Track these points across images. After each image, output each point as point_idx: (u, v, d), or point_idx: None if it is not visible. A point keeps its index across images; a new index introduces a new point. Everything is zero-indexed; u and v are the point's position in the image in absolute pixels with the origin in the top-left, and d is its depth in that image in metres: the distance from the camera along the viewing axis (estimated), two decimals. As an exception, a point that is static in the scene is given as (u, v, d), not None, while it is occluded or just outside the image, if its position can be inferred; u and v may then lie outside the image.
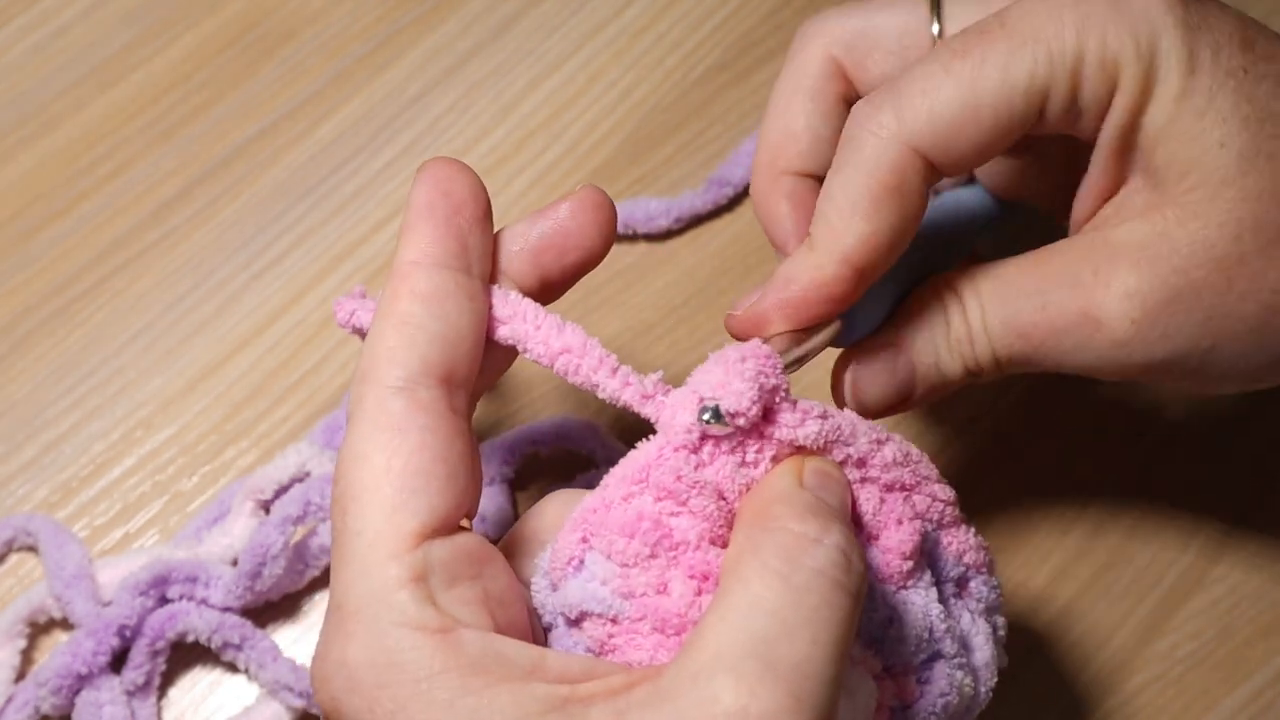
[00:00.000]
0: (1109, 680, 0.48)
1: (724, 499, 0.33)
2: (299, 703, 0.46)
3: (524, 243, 0.35)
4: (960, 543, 0.37)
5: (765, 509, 0.32)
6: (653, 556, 0.33)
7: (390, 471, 0.31)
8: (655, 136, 0.56)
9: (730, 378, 0.33)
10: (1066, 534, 0.50)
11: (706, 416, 0.33)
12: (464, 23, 0.58)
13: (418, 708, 0.29)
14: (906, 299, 0.39)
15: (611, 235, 0.36)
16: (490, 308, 0.35)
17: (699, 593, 0.33)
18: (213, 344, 0.53)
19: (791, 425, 0.34)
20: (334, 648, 0.31)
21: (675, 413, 0.33)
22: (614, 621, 0.33)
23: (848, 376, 0.39)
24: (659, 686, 0.29)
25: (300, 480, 0.49)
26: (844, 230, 0.36)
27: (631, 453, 0.34)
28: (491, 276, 0.35)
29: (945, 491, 0.36)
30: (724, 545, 0.33)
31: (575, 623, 0.34)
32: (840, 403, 0.40)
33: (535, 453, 0.50)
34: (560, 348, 0.34)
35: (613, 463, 0.34)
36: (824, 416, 0.34)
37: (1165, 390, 0.51)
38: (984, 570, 0.37)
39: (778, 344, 0.36)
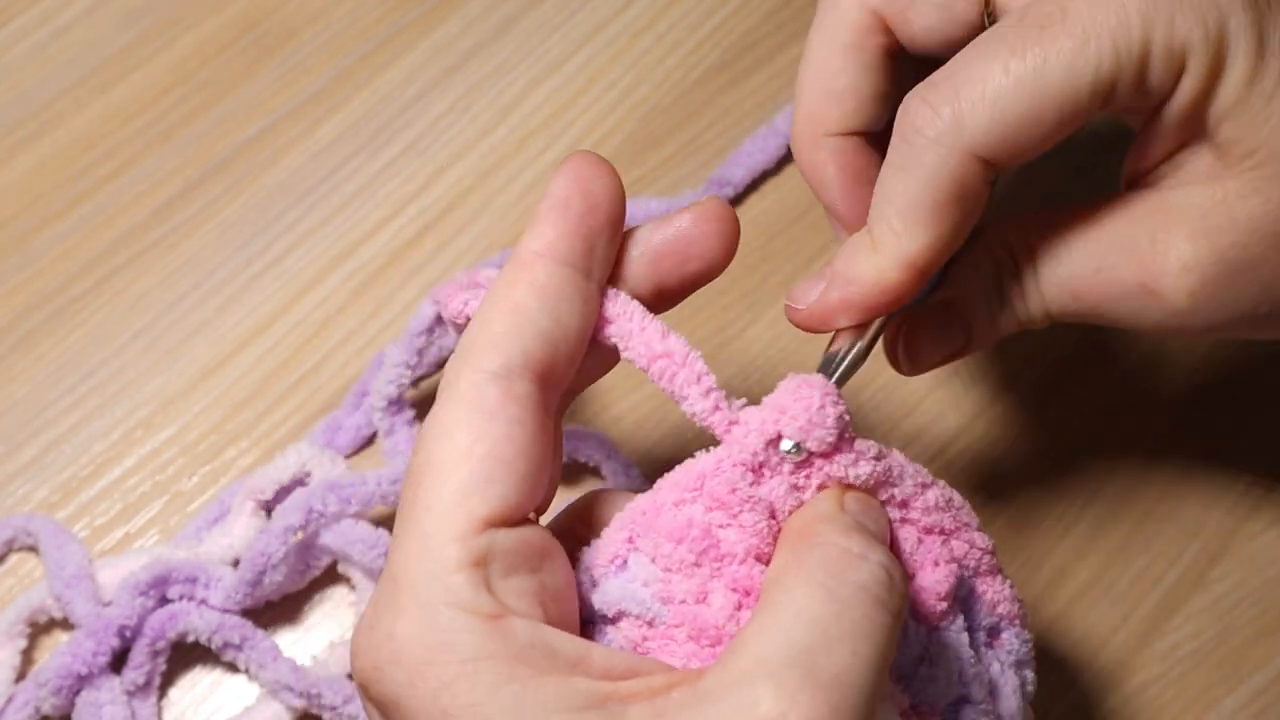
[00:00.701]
0: (1109, 680, 0.48)
1: (773, 518, 0.33)
2: (299, 703, 0.46)
3: (645, 248, 0.35)
4: (995, 592, 0.37)
5: (810, 526, 0.32)
6: (697, 565, 0.33)
7: (471, 455, 0.31)
8: (655, 136, 0.56)
9: (814, 420, 0.33)
10: (1066, 534, 0.50)
11: (789, 448, 0.33)
12: (464, 23, 0.58)
13: (462, 688, 0.29)
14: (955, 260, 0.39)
15: (733, 247, 0.35)
16: (601, 310, 0.34)
17: (739, 607, 0.33)
18: (213, 344, 0.53)
19: (846, 464, 0.34)
20: (384, 618, 0.30)
21: (747, 433, 0.33)
22: (650, 624, 0.33)
23: (901, 335, 0.39)
24: (698, 689, 0.29)
25: (301, 480, 0.49)
26: (907, 236, 0.36)
27: (689, 460, 0.34)
28: (611, 279, 0.35)
29: (984, 540, 0.36)
30: (768, 563, 0.33)
31: (612, 620, 0.34)
32: (893, 360, 0.40)
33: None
34: (661, 351, 0.34)
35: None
36: (878, 458, 0.34)
37: (1165, 390, 0.51)
38: (1016, 622, 0.37)
39: (839, 341, 0.37)
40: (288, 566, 0.47)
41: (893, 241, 0.36)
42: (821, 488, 0.34)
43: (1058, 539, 0.50)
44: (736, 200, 0.55)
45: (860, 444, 0.34)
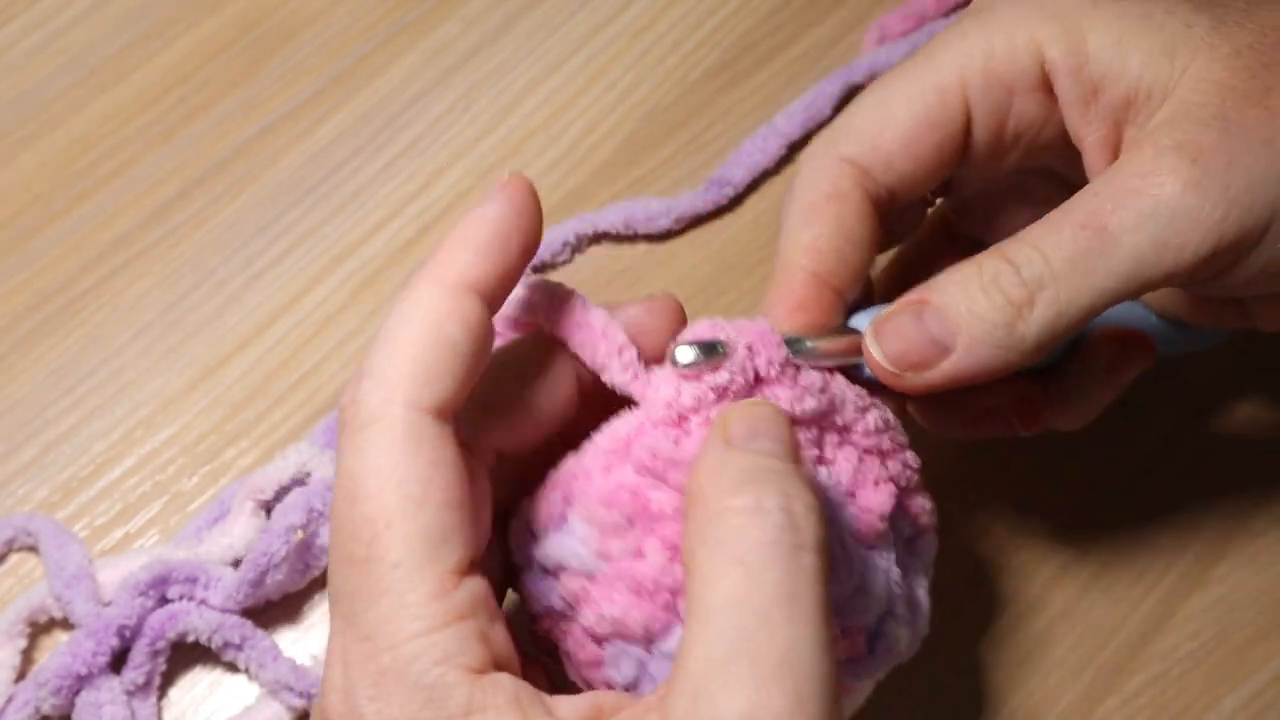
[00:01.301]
0: (1109, 680, 0.48)
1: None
2: (299, 703, 0.46)
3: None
4: (919, 507, 0.38)
5: (701, 491, 0.31)
6: (630, 524, 0.34)
7: (427, 503, 0.30)
8: (655, 136, 0.56)
9: (709, 331, 0.35)
10: (1066, 534, 0.50)
11: (688, 358, 0.34)
12: (464, 23, 0.58)
13: None
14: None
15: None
16: (526, 295, 0.36)
17: (671, 560, 0.33)
18: (213, 344, 0.53)
19: (791, 399, 0.35)
20: (364, 682, 0.30)
21: (659, 388, 0.34)
22: (589, 578, 0.34)
23: (869, 331, 0.37)
24: (664, 714, 0.29)
25: (301, 481, 0.49)
26: (791, 241, 0.38)
27: (614, 421, 0.35)
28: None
29: (914, 459, 0.38)
30: None
31: (552, 573, 0.35)
32: (875, 368, 0.39)
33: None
34: (582, 323, 0.35)
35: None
36: (823, 390, 0.36)
37: (1166, 390, 0.51)
38: (930, 531, 0.39)
39: (793, 326, 0.38)
40: (288, 566, 0.47)
41: (783, 247, 0.38)
42: None
43: (1058, 540, 0.50)
44: (737, 200, 0.55)
45: (805, 378, 0.35)
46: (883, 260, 0.46)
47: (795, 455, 0.32)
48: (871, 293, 0.43)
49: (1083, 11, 0.37)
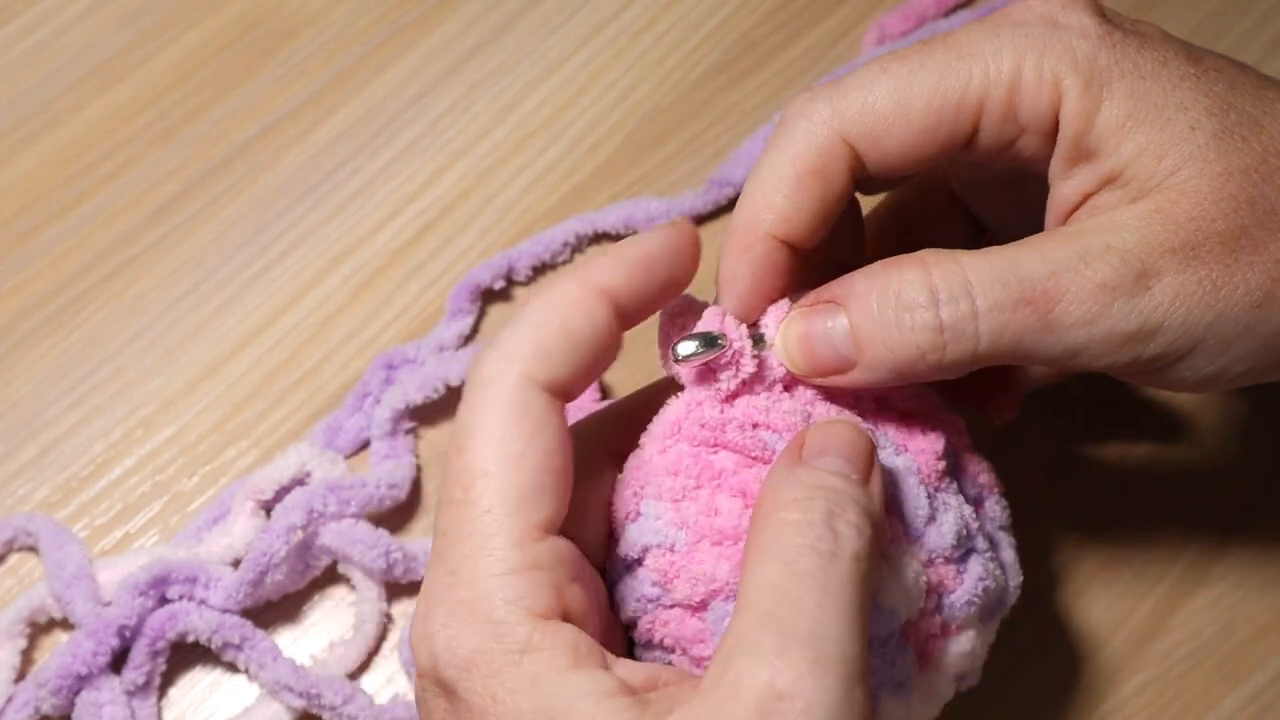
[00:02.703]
0: (1109, 680, 0.48)
1: (756, 426, 0.36)
2: (299, 703, 0.46)
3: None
4: (975, 465, 0.40)
5: (761, 503, 0.34)
6: (699, 486, 0.36)
7: (524, 460, 0.33)
8: (655, 136, 0.56)
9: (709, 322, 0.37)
10: (1067, 534, 0.50)
11: (688, 350, 0.36)
12: (464, 23, 0.58)
13: (509, 675, 0.31)
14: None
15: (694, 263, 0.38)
16: None
17: (746, 506, 0.35)
18: (213, 344, 0.53)
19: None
20: (441, 610, 0.33)
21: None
22: (672, 550, 0.35)
23: (780, 331, 0.38)
24: (699, 684, 0.31)
25: (301, 480, 0.49)
26: (764, 205, 0.37)
27: (663, 410, 0.37)
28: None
29: (956, 419, 0.40)
30: (765, 462, 0.36)
31: (638, 562, 0.36)
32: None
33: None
34: None
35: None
36: None
37: (1165, 389, 0.51)
38: (995, 491, 0.40)
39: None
40: (288, 566, 0.47)
41: (750, 212, 0.38)
42: (789, 388, 0.37)
43: (1058, 539, 0.50)
44: (736, 200, 0.55)
45: None
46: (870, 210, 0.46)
47: (865, 473, 0.34)
48: (863, 242, 0.43)
49: (1109, 72, 0.37)
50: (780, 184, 0.37)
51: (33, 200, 0.55)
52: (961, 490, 0.39)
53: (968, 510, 0.38)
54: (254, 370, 0.52)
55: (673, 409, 0.37)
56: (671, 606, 0.36)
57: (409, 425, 0.50)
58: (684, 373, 0.37)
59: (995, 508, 0.40)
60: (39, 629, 0.48)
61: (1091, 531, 0.50)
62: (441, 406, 0.51)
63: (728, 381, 0.37)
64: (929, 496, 0.37)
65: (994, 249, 0.36)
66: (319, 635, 0.48)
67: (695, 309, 0.37)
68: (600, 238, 0.54)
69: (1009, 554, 0.40)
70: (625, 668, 0.33)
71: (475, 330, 0.53)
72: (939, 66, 0.37)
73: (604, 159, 0.56)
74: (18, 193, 0.55)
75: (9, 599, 0.49)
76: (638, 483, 0.36)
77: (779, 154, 0.38)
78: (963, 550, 0.37)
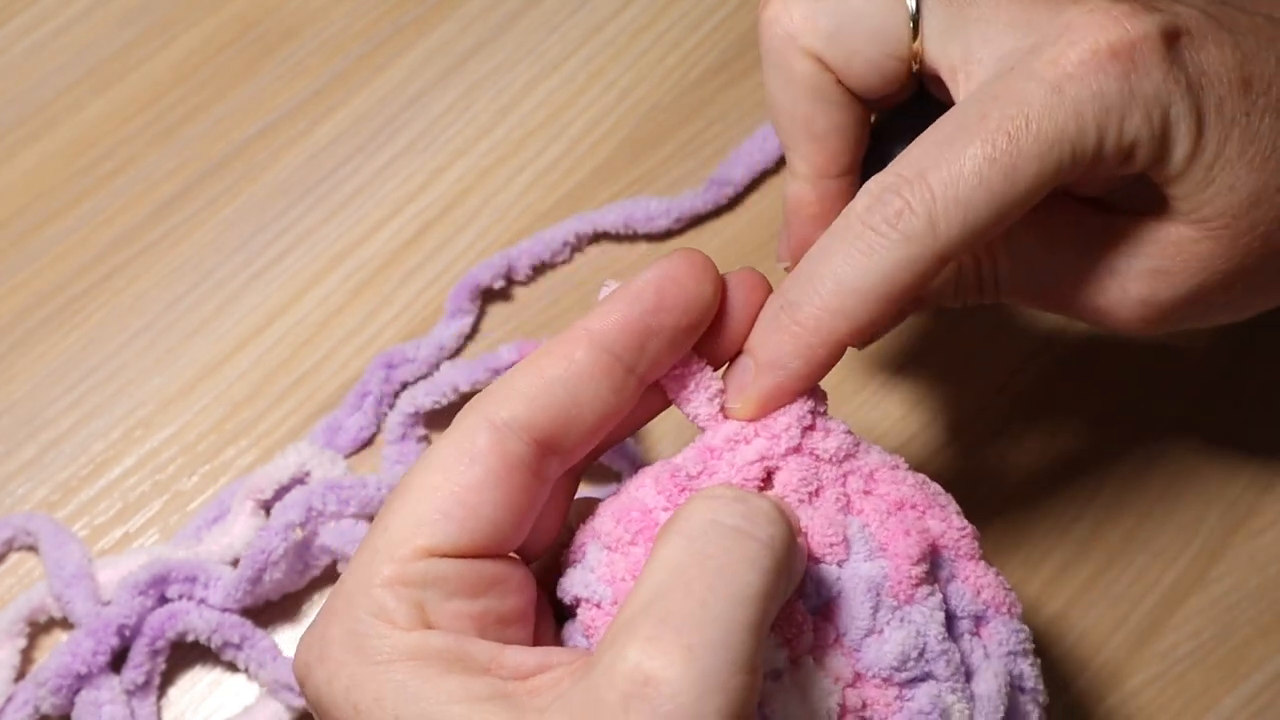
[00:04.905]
0: (1109, 680, 0.48)
1: None
2: (299, 702, 0.46)
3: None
4: (978, 578, 0.36)
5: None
6: (632, 544, 0.34)
7: (437, 490, 0.33)
8: (655, 136, 0.56)
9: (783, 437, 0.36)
10: (1066, 534, 0.50)
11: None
12: (464, 22, 0.58)
13: (370, 686, 0.31)
14: None
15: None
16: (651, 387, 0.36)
17: None
18: (213, 344, 0.53)
19: (818, 439, 0.36)
20: (320, 619, 0.33)
21: (721, 427, 0.36)
22: (598, 606, 0.34)
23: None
24: (581, 668, 0.30)
25: (300, 480, 0.49)
26: (844, 318, 0.36)
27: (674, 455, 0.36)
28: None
29: (962, 522, 0.36)
30: None
31: (571, 609, 0.35)
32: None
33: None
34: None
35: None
36: (849, 432, 0.36)
37: (1165, 389, 0.51)
38: (1005, 612, 0.36)
39: None
40: (287, 565, 0.47)
41: (827, 322, 0.36)
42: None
43: (1058, 539, 0.50)
44: (737, 200, 0.55)
45: (831, 421, 0.36)
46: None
47: (788, 524, 0.33)
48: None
49: (1179, 126, 0.37)
50: (866, 304, 0.36)
51: (33, 200, 0.55)
52: (953, 606, 0.35)
53: (934, 630, 0.34)
54: (253, 370, 0.52)
55: (680, 454, 0.36)
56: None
57: (422, 432, 0.50)
58: (701, 414, 0.36)
59: (1003, 630, 0.36)
60: (39, 628, 0.48)
61: (1091, 531, 0.50)
62: (454, 412, 0.50)
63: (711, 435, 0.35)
64: (875, 606, 0.34)
65: (1026, 228, 0.39)
66: (319, 632, 0.48)
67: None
68: (600, 237, 0.54)
69: (990, 685, 0.35)
70: (515, 655, 0.32)
71: (475, 329, 0.53)
72: (1034, 165, 0.35)
73: (603, 158, 0.56)
74: (18, 192, 0.55)
75: (9, 598, 0.49)
76: (596, 518, 0.35)
77: (875, 275, 0.36)
78: (912, 674, 0.34)
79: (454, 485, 0.33)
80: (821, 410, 0.36)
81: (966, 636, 0.36)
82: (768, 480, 0.35)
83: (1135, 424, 0.51)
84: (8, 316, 0.53)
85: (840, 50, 0.40)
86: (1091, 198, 0.41)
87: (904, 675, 0.34)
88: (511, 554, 0.34)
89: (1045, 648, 0.48)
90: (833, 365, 0.36)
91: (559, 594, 0.35)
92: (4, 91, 0.57)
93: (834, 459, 0.36)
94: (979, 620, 0.36)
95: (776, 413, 0.36)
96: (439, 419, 0.51)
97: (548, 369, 0.33)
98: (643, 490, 0.35)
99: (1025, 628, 0.37)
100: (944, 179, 0.35)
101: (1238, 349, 0.52)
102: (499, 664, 0.32)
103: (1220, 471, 0.51)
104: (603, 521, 0.35)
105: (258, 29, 0.58)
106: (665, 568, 0.30)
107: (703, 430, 0.36)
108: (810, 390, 0.36)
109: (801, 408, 0.36)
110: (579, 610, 0.35)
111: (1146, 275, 0.39)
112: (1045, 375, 0.52)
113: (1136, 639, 0.48)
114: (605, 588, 0.34)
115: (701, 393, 0.36)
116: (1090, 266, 0.39)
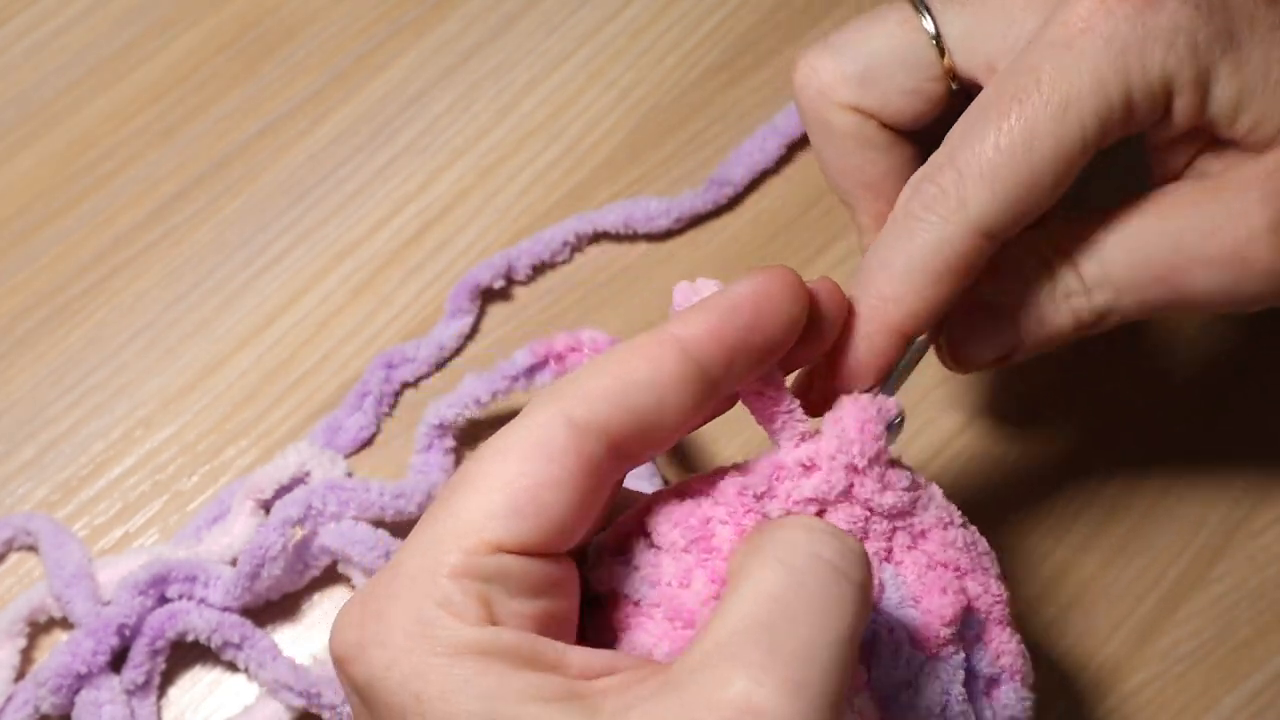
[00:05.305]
0: (1109, 680, 0.48)
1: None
2: (299, 702, 0.46)
3: None
4: (1001, 643, 0.37)
5: (772, 520, 0.33)
6: (686, 551, 0.34)
7: (514, 484, 0.31)
8: (655, 136, 0.56)
9: (865, 441, 0.35)
10: (1066, 534, 0.50)
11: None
12: (464, 22, 0.58)
13: (435, 678, 0.30)
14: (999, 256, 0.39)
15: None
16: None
17: (715, 596, 0.33)
18: (213, 343, 0.53)
19: (872, 490, 0.35)
20: (377, 598, 0.31)
21: (794, 448, 0.35)
22: (636, 604, 0.34)
23: (947, 336, 0.39)
24: (667, 679, 0.30)
25: (300, 480, 0.49)
26: (895, 303, 0.37)
27: (740, 463, 0.35)
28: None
29: (999, 588, 0.37)
30: None
31: (604, 600, 0.34)
32: (942, 359, 0.41)
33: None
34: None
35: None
36: (908, 489, 0.36)
37: (1165, 389, 0.51)
38: (1016, 679, 0.37)
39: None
40: (286, 564, 0.47)
41: (879, 308, 0.37)
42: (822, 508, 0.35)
43: (1058, 539, 0.50)
44: (737, 200, 0.55)
45: (893, 474, 0.35)
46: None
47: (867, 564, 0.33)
48: None
49: (1210, 52, 0.36)
50: (916, 283, 0.37)
51: (33, 200, 0.55)
52: (972, 666, 0.36)
53: (957, 689, 0.35)
54: (254, 370, 0.52)
55: (744, 465, 0.35)
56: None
57: (451, 443, 0.50)
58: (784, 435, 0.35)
59: (1011, 695, 0.37)
60: (39, 628, 0.48)
61: (1091, 531, 0.50)
62: (485, 427, 0.50)
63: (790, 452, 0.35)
64: (906, 657, 0.34)
65: (1118, 220, 0.38)
66: (319, 635, 0.48)
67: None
68: (600, 237, 0.54)
69: None
70: (580, 655, 0.31)
71: (475, 329, 0.53)
72: (1050, 126, 0.35)
73: (603, 158, 0.56)
74: (18, 192, 0.55)
75: (9, 598, 0.49)
76: (649, 517, 0.35)
77: (919, 252, 0.37)
78: None
79: (528, 481, 0.31)
80: (889, 442, 0.36)
81: (979, 696, 0.36)
82: (820, 514, 0.35)
83: (1136, 424, 0.51)
84: (8, 316, 0.53)
85: (875, 92, 0.40)
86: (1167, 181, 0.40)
87: None
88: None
89: (1045, 648, 0.48)
90: (893, 355, 0.37)
91: (593, 582, 0.35)
92: (4, 91, 0.57)
93: (886, 514, 0.35)
94: (992, 683, 0.37)
95: (847, 426, 0.35)
96: (469, 434, 0.51)
97: (633, 372, 0.32)
98: (705, 500, 0.34)
99: (1031, 696, 0.37)
100: (968, 158, 0.36)
101: (1239, 349, 0.52)
102: (566, 664, 0.31)
103: (1221, 471, 0.51)
104: (657, 522, 0.34)
105: (258, 29, 0.58)
106: (767, 595, 0.30)
107: (777, 447, 0.35)
108: (881, 410, 0.36)
109: (872, 420, 0.35)
110: (613, 603, 0.34)
111: (1263, 199, 0.37)
112: (1046, 375, 0.52)
113: (1136, 639, 0.48)
114: (649, 588, 0.34)
115: (782, 413, 0.35)
116: (1204, 215, 0.38)
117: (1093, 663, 0.48)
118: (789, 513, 0.35)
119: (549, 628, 0.32)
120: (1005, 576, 0.37)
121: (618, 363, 0.33)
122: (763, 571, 0.30)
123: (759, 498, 0.34)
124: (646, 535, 0.35)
